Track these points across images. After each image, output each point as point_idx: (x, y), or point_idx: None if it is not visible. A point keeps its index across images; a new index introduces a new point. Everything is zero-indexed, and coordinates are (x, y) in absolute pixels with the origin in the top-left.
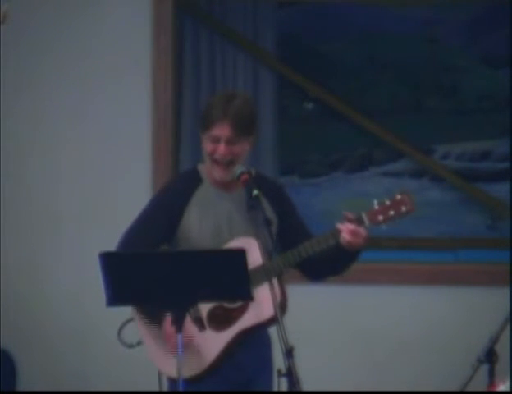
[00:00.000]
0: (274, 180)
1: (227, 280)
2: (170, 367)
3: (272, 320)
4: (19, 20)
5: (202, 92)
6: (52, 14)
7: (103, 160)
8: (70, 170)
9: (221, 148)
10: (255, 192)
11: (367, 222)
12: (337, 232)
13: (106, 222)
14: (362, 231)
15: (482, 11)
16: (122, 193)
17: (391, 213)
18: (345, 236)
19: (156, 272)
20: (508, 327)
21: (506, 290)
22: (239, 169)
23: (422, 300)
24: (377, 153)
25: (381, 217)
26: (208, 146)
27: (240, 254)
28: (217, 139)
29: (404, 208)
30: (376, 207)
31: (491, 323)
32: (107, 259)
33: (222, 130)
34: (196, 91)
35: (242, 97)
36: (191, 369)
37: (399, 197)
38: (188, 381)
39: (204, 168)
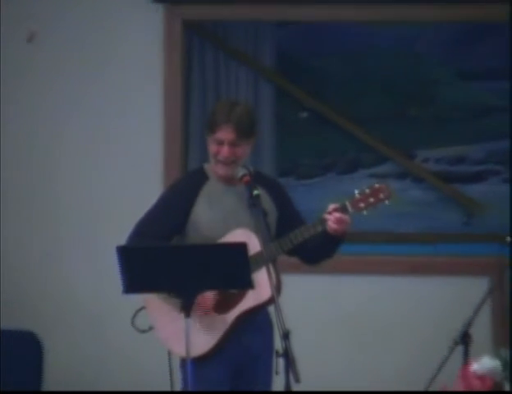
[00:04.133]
0: (272, 176)
1: (230, 271)
2: (179, 347)
3: (270, 301)
4: (39, 37)
5: (208, 103)
6: (69, 33)
7: (120, 168)
8: (89, 175)
9: (225, 150)
10: (256, 192)
11: (350, 209)
12: (324, 221)
13: (121, 224)
14: (346, 218)
15: (459, 30)
16: (136, 196)
17: (371, 199)
18: (331, 225)
19: (167, 263)
20: (481, 312)
21: (480, 280)
22: (241, 171)
23: (405, 289)
24: (365, 157)
25: (362, 205)
26: (213, 148)
27: (242, 247)
28: (221, 142)
29: (382, 195)
30: (357, 195)
31: (466, 309)
32: (124, 252)
33: (226, 134)
34: (203, 102)
35: (243, 104)
36: (199, 348)
37: (377, 186)
38: (196, 359)
39: (210, 167)
